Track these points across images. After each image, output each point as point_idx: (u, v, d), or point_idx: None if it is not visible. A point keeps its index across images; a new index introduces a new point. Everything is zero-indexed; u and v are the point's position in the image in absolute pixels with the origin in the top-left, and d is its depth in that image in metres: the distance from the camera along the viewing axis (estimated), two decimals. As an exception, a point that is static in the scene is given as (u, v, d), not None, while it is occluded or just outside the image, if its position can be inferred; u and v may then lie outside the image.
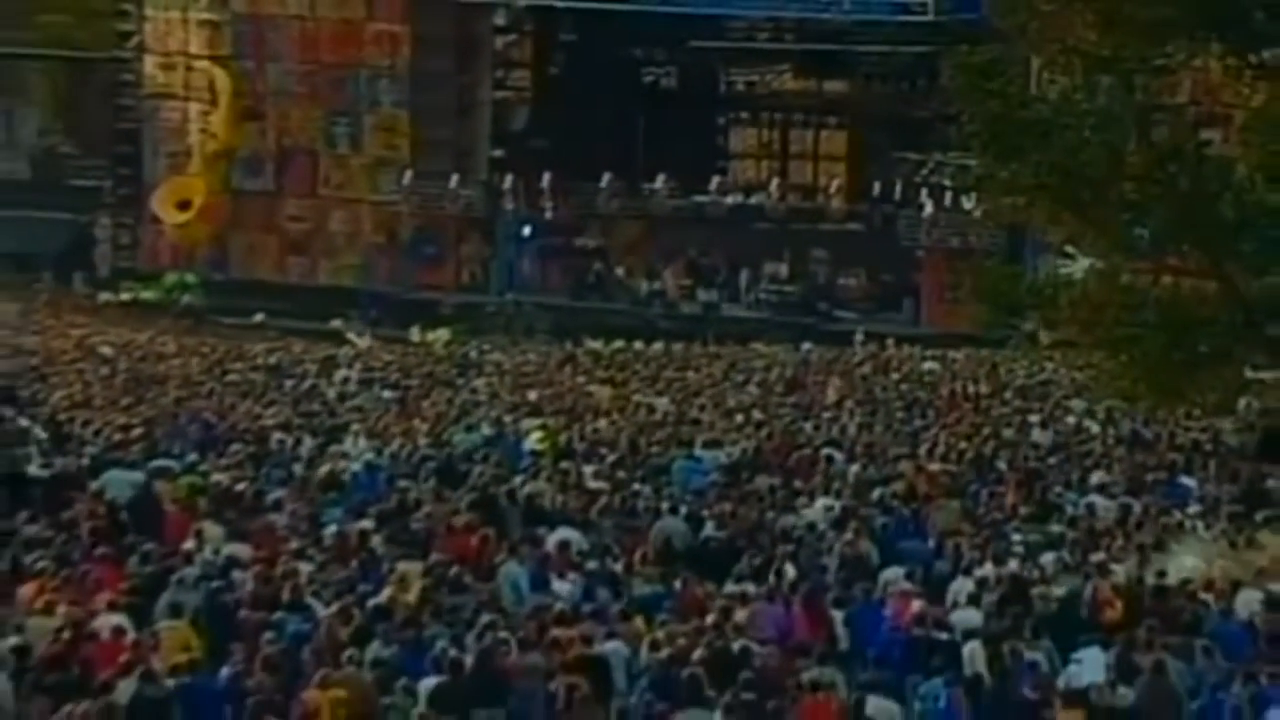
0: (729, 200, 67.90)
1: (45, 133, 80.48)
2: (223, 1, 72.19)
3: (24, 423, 36.59)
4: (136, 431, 35.47)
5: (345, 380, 46.04)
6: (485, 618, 21.63)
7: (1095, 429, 39.66)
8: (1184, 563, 25.78)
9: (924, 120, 62.39)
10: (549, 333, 60.04)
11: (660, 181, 66.96)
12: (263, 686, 19.20)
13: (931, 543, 26.82)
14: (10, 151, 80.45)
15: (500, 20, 70.29)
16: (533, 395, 43.29)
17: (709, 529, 27.05)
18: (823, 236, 67.10)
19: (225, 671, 19.73)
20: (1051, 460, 34.84)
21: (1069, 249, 43.52)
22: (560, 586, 23.83)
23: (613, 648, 20.77)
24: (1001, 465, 33.70)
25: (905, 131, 66.02)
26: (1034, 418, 40.79)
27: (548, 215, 68.07)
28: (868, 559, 25.50)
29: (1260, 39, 37.23)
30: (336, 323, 62.97)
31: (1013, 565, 25.27)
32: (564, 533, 26.12)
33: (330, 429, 37.21)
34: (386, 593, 22.81)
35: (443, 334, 60.48)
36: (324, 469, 31.79)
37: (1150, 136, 38.22)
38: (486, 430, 36.91)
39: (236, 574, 23.46)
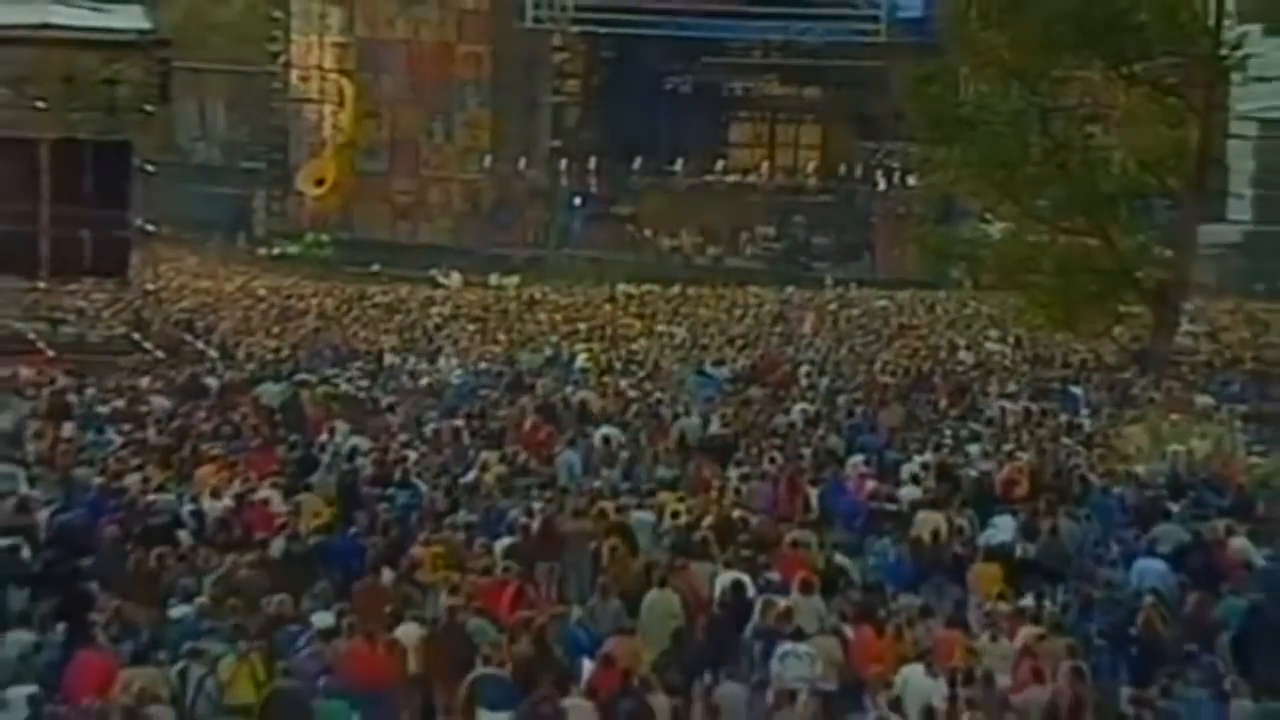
0: (730, 179, 67.92)
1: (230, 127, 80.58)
2: (349, 28, 72.07)
3: (201, 345, 36.73)
4: (284, 353, 35.59)
5: (440, 315, 46.06)
6: (546, 493, 21.69)
7: (1007, 351, 39.60)
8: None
9: (879, 117, 62.34)
10: (594, 279, 59.87)
11: (679, 164, 66.94)
12: (378, 544, 19.26)
13: (883, 437, 26.81)
14: (206, 142, 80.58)
15: (557, 42, 70.01)
16: (581, 326, 43.25)
17: (715, 426, 27.05)
18: (801, 206, 67.03)
19: (351, 532, 19.79)
20: (974, 374, 34.79)
21: (988, 215, 43.58)
22: (604, 471, 23.88)
23: (642, 516, 20.79)
24: (936, 378, 33.66)
25: (865, 126, 66.10)
26: (961, 342, 40.74)
27: (593, 190, 68.04)
28: (835, 449, 25.51)
29: (1131, 55, 37.39)
30: (433, 271, 62.84)
31: (944, 453, 25.28)
32: (606, 430, 26.15)
33: (429, 351, 37.25)
34: (472, 474, 22.87)
35: (513, 280, 60.26)
36: (424, 381, 31.89)
37: (1049, 130, 38.36)
38: (547, 352, 36.95)
39: (359, 460, 23.53)
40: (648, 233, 67.46)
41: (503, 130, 69.83)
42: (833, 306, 49.74)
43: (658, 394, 30.40)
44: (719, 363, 35.17)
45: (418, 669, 16.17)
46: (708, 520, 20.53)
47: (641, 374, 33.42)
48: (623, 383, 31.92)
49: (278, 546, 19.04)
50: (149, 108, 38.50)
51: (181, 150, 74.91)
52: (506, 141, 69.63)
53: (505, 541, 19.63)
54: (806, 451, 25.16)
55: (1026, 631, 16.96)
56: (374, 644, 16.06)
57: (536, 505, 20.96)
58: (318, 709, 14.95)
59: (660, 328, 43.16)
